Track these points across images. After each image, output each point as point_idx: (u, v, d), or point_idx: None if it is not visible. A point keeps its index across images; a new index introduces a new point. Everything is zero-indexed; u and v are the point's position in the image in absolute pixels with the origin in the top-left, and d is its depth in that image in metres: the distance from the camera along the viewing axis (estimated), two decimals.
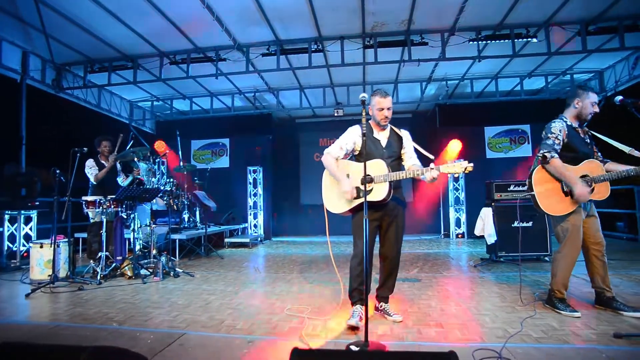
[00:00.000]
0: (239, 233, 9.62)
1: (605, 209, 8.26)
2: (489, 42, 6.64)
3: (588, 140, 3.23)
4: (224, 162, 10.95)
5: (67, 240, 4.82)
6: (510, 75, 8.82)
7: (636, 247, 6.97)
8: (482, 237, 5.73)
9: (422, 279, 4.63)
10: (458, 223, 9.70)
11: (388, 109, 2.93)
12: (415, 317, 3.11)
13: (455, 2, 5.82)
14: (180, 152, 8.19)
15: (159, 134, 10.92)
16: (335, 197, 3.00)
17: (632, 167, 2.96)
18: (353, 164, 3.01)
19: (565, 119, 3.22)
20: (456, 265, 5.69)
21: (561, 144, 3.11)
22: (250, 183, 10.20)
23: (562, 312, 3.07)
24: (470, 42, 6.63)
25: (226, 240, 8.56)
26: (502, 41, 6.59)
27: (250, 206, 10.14)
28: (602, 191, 3.10)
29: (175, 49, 7.21)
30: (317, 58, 7.25)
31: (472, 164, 2.58)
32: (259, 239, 9.49)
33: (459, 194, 9.82)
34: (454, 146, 9.56)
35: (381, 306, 3.14)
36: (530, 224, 5.57)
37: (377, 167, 2.84)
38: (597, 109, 3.17)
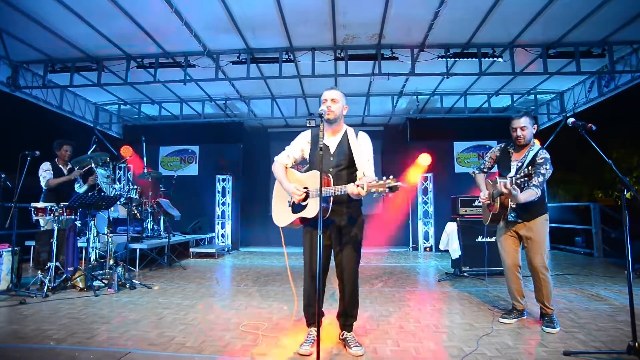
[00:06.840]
0: (206, 243, 9.35)
1: (565, 225, 8.60)
2: (457, 59, 6.80)
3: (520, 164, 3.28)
4: (192, 169, 10.65)
5: (10, 249, 4.48)
6: (478, 93, 9.07)
7: (592, 262, 7.22)
8: (448, 251, 5.79)
9: (386, 293, 4.60)
10: (426, 236, 9.81)
11: (332, 100, 2.70)
12: (373, 335, 3.05)
13: (425, 19, 5.94)
14: (145, 159, 7.89)
15: (126, 139, 10.50)
16: (281, 209, 2.87)
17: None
18: (297, 174, 2.84)
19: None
20: (421, 280, 5.71)
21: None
22: (219, 192, 9.98)
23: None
24: (440, 59, 6.77)
25: (192, 250, 8.29)
26: (469, 59, 6.76)
27: (218, 215, 9.91)
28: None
29: (143, 52, 6.98)
30: (289, 68, 7.20)
31: (399, 183, 2.26)
32: (226, 249, 9.26)
33: (427, 207, 9.94)
34: (423, 160, 9.72)
35: (343, 335, 2.79)
36: (494, 239, 5.65)
37: (312, 180, 2.64)
38: (516, 134, 3.30)
